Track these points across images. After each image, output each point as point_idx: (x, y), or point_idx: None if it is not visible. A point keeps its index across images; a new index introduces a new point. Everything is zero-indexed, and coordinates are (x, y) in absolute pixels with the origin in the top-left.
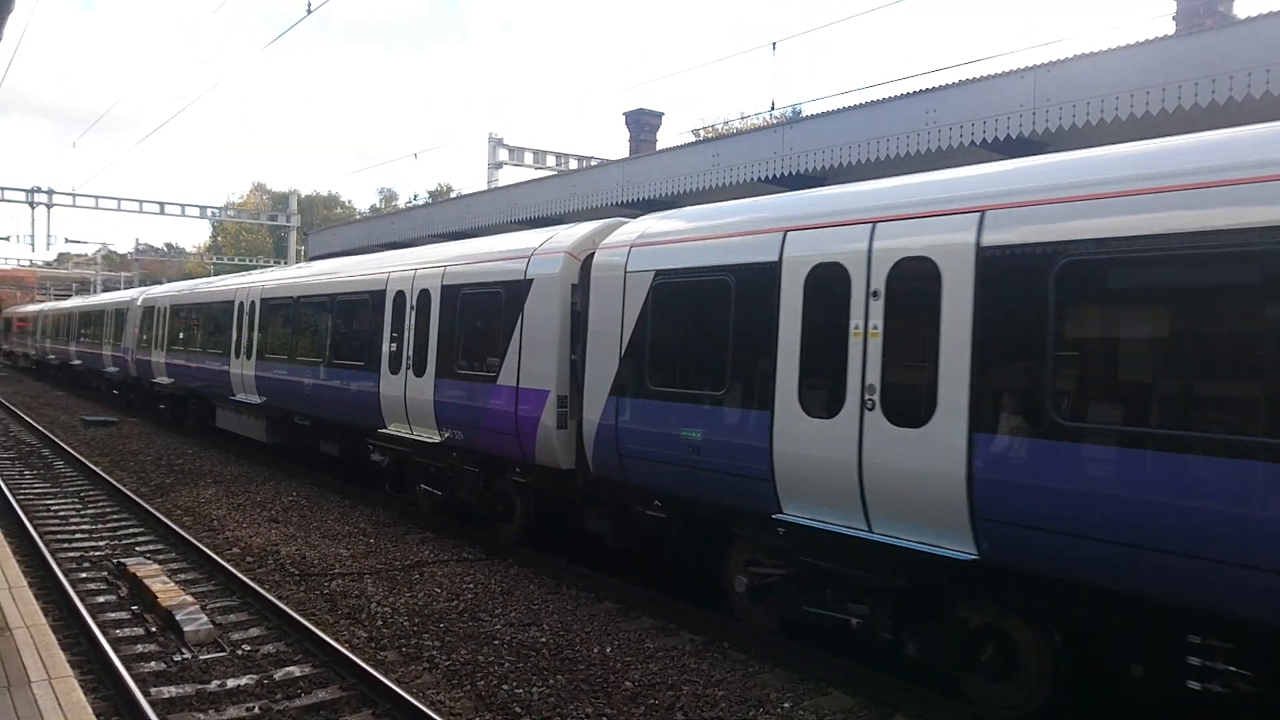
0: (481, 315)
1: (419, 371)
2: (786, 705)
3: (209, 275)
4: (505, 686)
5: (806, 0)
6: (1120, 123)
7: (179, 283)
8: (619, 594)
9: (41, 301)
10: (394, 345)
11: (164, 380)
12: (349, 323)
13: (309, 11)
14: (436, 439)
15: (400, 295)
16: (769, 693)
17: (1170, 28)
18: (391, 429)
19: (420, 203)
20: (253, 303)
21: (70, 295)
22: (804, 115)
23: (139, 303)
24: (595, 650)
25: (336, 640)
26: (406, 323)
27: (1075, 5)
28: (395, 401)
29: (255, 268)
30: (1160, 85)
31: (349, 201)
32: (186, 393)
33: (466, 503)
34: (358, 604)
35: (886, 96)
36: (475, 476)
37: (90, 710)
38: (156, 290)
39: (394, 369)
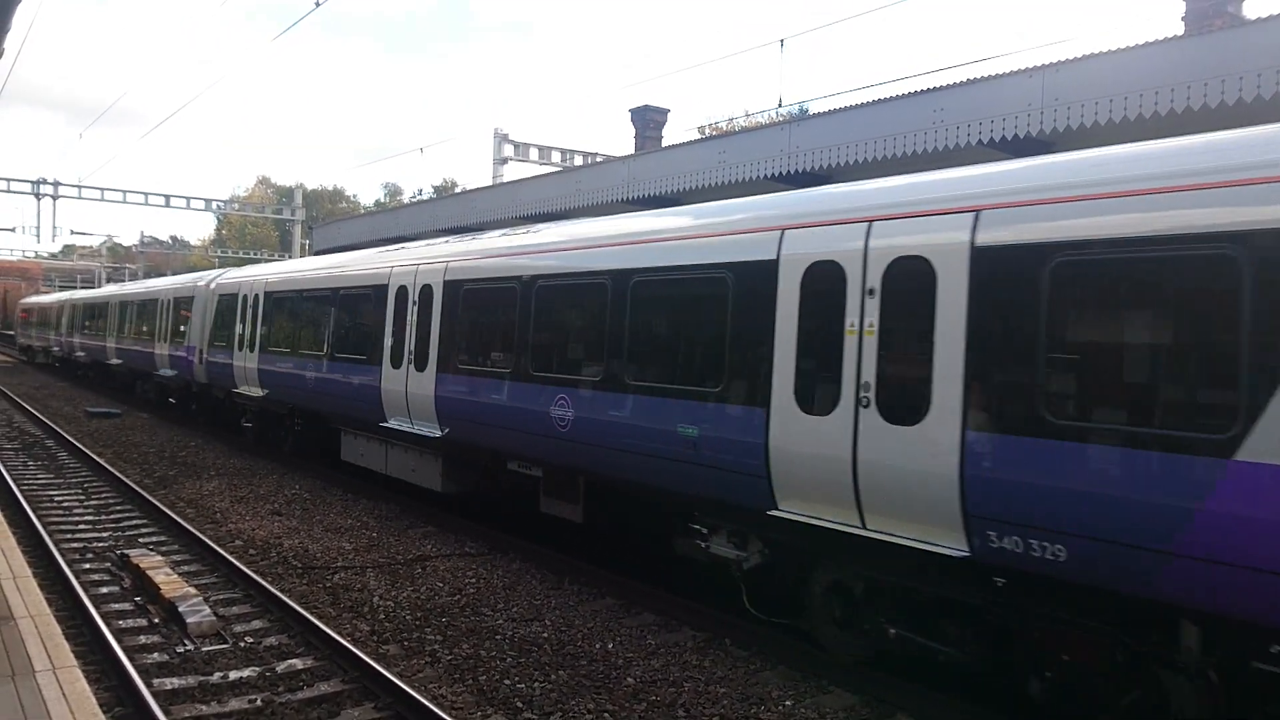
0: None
1: (910, 413)
2: (788, 703)
3: (213, 268)
4: (507, 681)
5: None
6: (1129, 123)
7: (279, 263)
8: (621, 590)
9: (46, 292)
10: (809, 364)
11: (253, 392)
12: (679, 320)
13: (317, 4)
14: (960, 548)
15: (827, 271)
16: (770, 690)
17: (1180, 28)
18: (792, 511)
19: (425, 198)
20: (426, 286)
21: (76, 285)
22: (810, 113)
23: (212, 287)
24: (597, 646)
25: (339, 633)
26: (852, 319)
27: (1080, 5)
28: (820, 465)
29: (261, 260)
30: (1170, 86)
31: (354, 196)
32: (290, 410)
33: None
34: (360, 597)
35: (893, 95)
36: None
37: (94, 700)
38: (243, 273)
39: (811, 403)
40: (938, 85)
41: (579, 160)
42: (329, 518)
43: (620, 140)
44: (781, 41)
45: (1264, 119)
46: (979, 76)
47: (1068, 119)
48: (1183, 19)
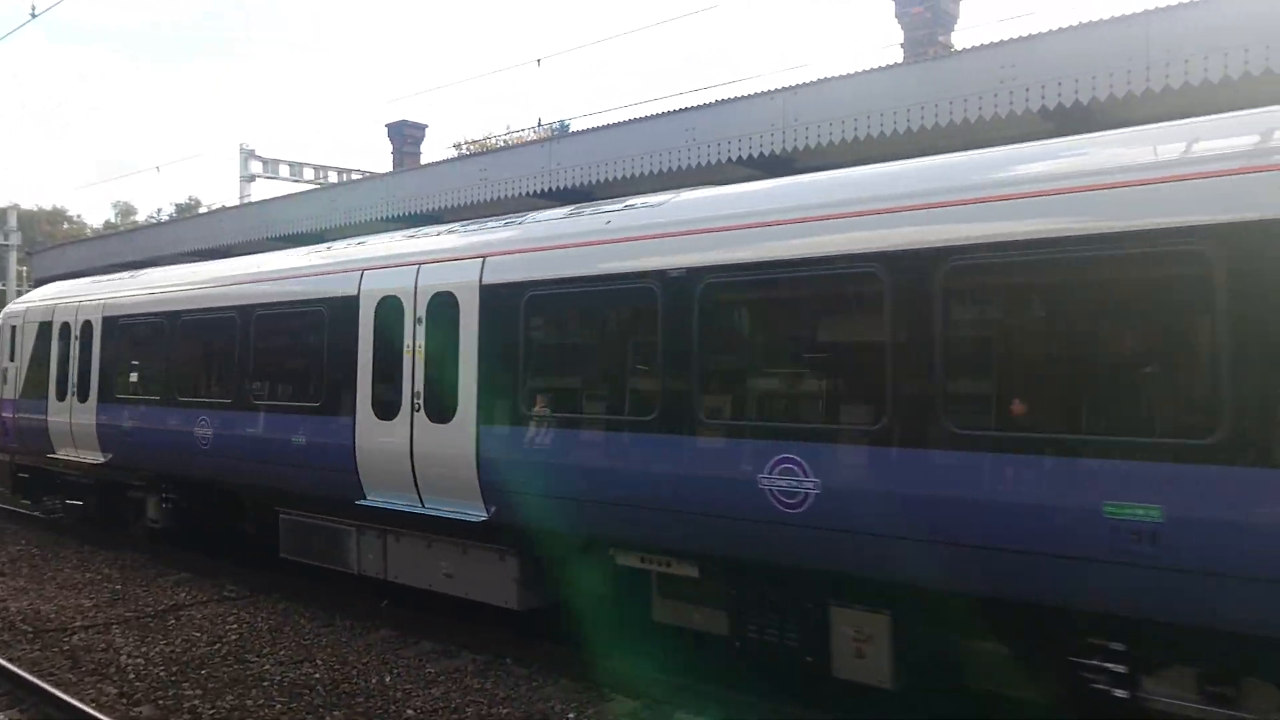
0: None
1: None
2: (571, 716)
3: None
4: None
5: (570, 17)
6: (859, 142)
7: None
8: (396, 621)
9: None
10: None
11: None
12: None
13: (34, 15)
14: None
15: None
16: (554, 705)
17: (900, 54)
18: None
19: (165, 219)
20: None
21: None
22: (571, 131)
23: None
24: (374, 680)
25: (81, 700)
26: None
27: (819, 30)
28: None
29: None
30: (893, 109)
31: (78, 217)
32: None
33: None
34: (105, 658)
35: (650, 114)
36: None
37: None
38: None
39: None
40: (690, 106)
41: (334, 177)
42: (63, 573)
43: (377, 157)
44: (539, 60)
45: (982, 139)
46: (726, 98)
47: (807, 138)
48: (901, 45)
